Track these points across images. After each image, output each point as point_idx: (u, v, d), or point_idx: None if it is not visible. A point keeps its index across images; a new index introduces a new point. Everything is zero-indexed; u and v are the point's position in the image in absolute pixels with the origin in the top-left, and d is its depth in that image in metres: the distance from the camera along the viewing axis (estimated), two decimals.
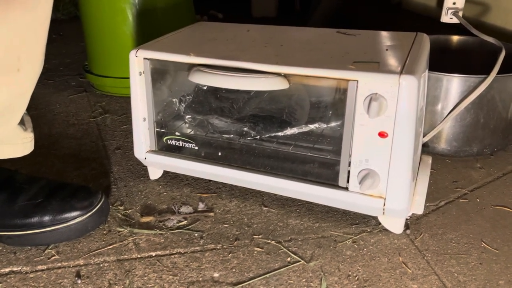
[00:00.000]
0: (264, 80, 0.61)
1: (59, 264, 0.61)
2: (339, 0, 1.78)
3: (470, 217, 0.70)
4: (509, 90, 0.80)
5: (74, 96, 1.22)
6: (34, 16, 0.57)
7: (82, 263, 0.61)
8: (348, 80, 0.58)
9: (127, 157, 0.89)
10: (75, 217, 0.64)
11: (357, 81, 0.57)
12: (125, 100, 1.18)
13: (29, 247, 0.64)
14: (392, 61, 0.61)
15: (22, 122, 0.64)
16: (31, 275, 0.59)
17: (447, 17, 1.07)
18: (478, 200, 0.74)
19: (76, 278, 0.58)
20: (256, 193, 0.76)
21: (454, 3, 1.06)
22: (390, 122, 0.57)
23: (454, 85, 0.79)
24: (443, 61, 0.94)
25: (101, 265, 0.61)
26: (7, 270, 0.60)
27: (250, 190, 0.77)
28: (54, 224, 0.63)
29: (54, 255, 0.63)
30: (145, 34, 1.16)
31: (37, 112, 1.10)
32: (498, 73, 0.77)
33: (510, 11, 1.14)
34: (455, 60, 0.98)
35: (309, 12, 1.88)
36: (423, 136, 0.81)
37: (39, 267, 0.61)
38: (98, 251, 0.63)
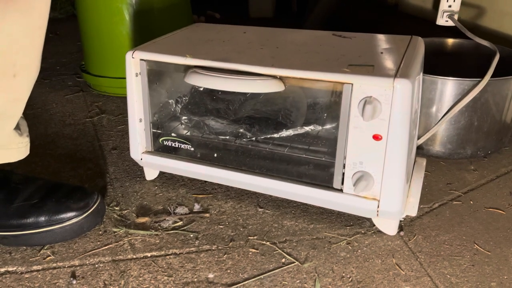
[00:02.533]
0: (260, 82, 0.61)
1: (54, 265, 0.61)
2: (336, 1, 1.78)
3: (463, 219, 0.70)
4: (502, 94, 0.81)
5: (71, 96, 1.22)
6: (30, 22, 0.57)
7: (77, 264, 0.61)
8: (343, 83, 0.58)
9: (123, 158, 0.89)
10: (70, 218, 0.64)
11: (352, 84, 0.57)
12: (122, 100, 1.18)
13: (24, 247, 0.64)
14: (387, 65, 0.61)
15: (17, 127, 0.64)
16: (27, 275, 0.59)
17: (442, 20, 1.08)
18: (471, 202, 0.75)
19: (71, 279, 0.59)
20: (252, 194, 0.76)
21: (449, 6, 1.07)
22: (384, 125, 0.58)
23: (448, 88, 0.80)
24: (438, 63, 0.95)
25: (97, 265, 0.61)
26: (2, 270, 0.60)
27: (246, 191, 0.77)
28: (49, 225, 0.63)
29: (49, 256, 0.63)
30: (142, 34, 1.16)
31: (33, 112, 1.10)
32: (493, 76, 0.78)
33: (505, 14, 1.15)
34: (450, 63, 0.99)
35: (306, 13, 1.88)
36: (418, 139, 0.82)
37: (35, 267, 0.61)
38: (93, 251, 0.64)
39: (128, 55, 0.70)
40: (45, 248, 0.64)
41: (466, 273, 0.60)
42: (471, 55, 0.98)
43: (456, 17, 1.06)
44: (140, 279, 0.59)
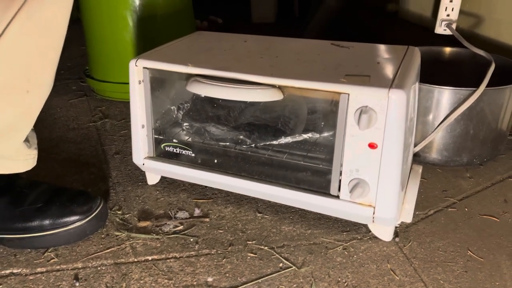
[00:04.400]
0: (259, 91, 0.63)
1: (58, 267, 0.63)
2: (337, 7, 1.80)
3: (457, 225, 0.72)
4: (498, 102, 0.82)
5: (75, 100, 1.24)
6: (47, 42, 0.59)
7: (80, 266, 0.63)
8: (339, 93, 0.60)
9: (125, 162, 0.91)
10: (74, 222, 0.66)
11: (348, 94, 0.59)
12: (125, 105, 1.20)
13: (29, 249, 0.66)
14: (383, 75, 0.63)
15: (26, 139, 0.66)
16: (31, 277, 0.61)
17: (441, 29, 1.10)
18: (466, 209, 0.76)
19: (74, 281, 0.60)
20: (251, 199, 0.78)
21: (448, 15, 1.09)
22: (379, 134, 0.59)
23: (445, 96, 0.81)
24: (436, 72, 0.97)
25: (99, 268, 0.63)
26: (7, 272, 0.62)
27: (245, 196, 0.79)
28: (54, 228, 0.65)
29: (53, 258, 0.64)
30: (146, 40, 1.18)
31: (38, 116, 1.12)
32: (489, 85, 0.79)
33: (502, 23, 1.16)
34: (447, 71, 1.00)
35: (307, 18, 1.90)
36: (414, 146, 0.84)
37: (39, 270, 0.62)
38: (96, 254, 0.65)
39: (132, 63, 0.72)
40: (49, 250, 0.66)
41: (459, 279, 0.61)
42: (469, 64, 0.99)
43: (454, 26, 1.08)
44: (141, 281, 0.60)
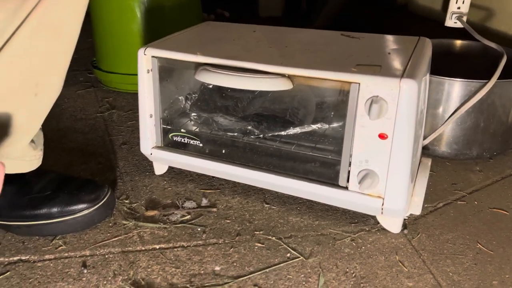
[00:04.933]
0: (269, 80, 0.63)
1: (66, 254, 0.63)
2: (346, 1, 1.79)
3: (467, 218, 0.71)
4: (509, 95, 0.81)
5: (82, 91, 1.24)
6: (57, 46, 0.58)
7: (88, 254, 0.63)
8: (350, 83, 0.59)
9: (133, 152, 0.91)
10: (82, 210, 0.66)
11: (359, 83, 0.58)
12: (132, 96, 1.20)
13: (37, 237, 0.66)
14: (394, 65, 0.62)
15: (32, 141, 0.65)
16: (39, 264, 0.61)
17: (451, 21, 1.09)
18: (476, 202, 0.76)
19: (82, 268, 0.60)
20: (258, 190, 0.78)
21: (458, 8, 1.07)
22: (390, 124, 0.59)
23: (455, 89, 0.80)
24: (446, 65, 0.96)
25: (106, 256, 0.63)
26: (15, 258, 0.62)
27: (253, 187, 0.78)
28: (62, 216, 0.65)
29: (61, 245, 0.65)
30: (153, 32, 1.18)
31: None
32: (500, 78, 0.78)
33: None
34: (458, 64, 0.99)
35: (315, 12, 1.89)
36: (424, 139, 0.83)
37: (47, 257, 0.63)
38: (103, 242, 0.65)
39: (140, 52, 0.71)
40: (57, 238, 0.66)
41: (469, 271, 0.60)
42: (479, 56, 0.98)
43: (465, 18, 1.07)
44: (149, 270, 0.60)
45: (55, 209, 0.65)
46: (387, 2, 1.67)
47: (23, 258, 0.62)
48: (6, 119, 0.58)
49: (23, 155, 0.65)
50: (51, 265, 0.61)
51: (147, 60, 0.71)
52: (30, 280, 0.58)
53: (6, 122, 0.58)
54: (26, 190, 0.67)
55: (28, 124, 0.62)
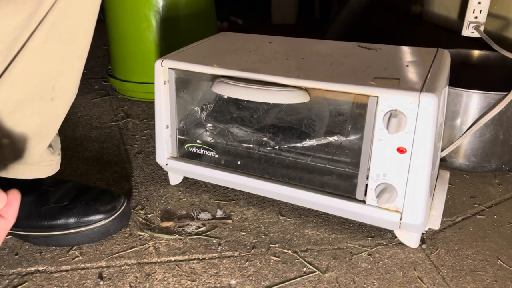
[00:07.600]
0: (286, 93, 0.62)
1: (82, 265, 0.63)
2: (360, 9, 1.78)
3: (487, 233, 0.70)
4: None
5: (97, 100, 1.25)
6: (71, 50, 0.59)
7: (104, 265, 0.63)
8: (368, 96, 0.59)
9: (148, 162, 0.91)
10: (98, 220, 0.66)
11: (378, 97, 0.58)
12: (147, 105, 1.21)
13: (54, 247, 0.67)
14: (413, 78, 0.61)
15: (50, 145, 0.66)
16: (56, 275, 0.62)
17: (468, 31, 1.07)
18: (495, 216, 0.74)
19: (99, 280, 0.60)
20: (273, 202, 0.77)
21: (476, 17, 1.06)
22: (409, 138, 0.58)
23: (474, 101, 0.79)
24: (464, 75, 0.95)
25: (122, 267, 0.63)
26: (33, 269, 0.63)
27: (267, 198, 0.78)
28: (78, 226, 0.66)
29: (77, 256, 0.65)
30: (168, 41, 1.19)
31: None
32: None
33: None
34: (476, 75, 0.98)
35: (329, 20, 1.89)
36: (442, 151, 0.82)
37: (64, 267, 0.63)
38: (119, 253, 0.65)
39: (157, 63, 0.72)
40: (74, 248, 0.66)
41: None
42: (498, 67, 0.97)
43: (482, 28, 1.06)
44: (165, 282, 0.60)
45: (72, 220, 0.66)
46: (402, 10, 1.66)
47: (40, 268, 0.63)
48: (23, 124, 0.59)
49: (41, 160, 0.65)
50: (68, 276, 0.61)
51: (164, 72, 0.72)
52: None
53: (24, 127, 0.59)
54: (43, 200, 0.67)
55: (46, 129, 0.62)
